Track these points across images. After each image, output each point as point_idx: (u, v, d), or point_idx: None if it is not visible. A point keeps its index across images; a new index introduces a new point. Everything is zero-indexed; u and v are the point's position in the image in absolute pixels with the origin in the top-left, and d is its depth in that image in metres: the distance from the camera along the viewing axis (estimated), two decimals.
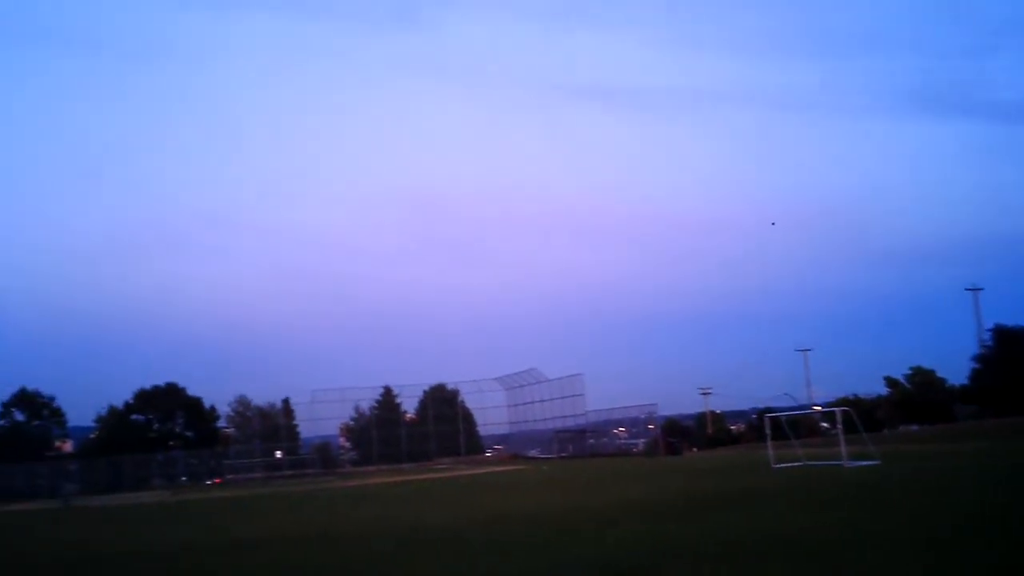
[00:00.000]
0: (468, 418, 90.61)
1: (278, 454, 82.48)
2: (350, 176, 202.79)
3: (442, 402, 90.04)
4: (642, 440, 72.55)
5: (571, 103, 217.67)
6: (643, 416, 74.29)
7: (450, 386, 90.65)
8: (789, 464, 32.74)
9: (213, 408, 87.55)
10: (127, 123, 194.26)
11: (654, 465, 46.34)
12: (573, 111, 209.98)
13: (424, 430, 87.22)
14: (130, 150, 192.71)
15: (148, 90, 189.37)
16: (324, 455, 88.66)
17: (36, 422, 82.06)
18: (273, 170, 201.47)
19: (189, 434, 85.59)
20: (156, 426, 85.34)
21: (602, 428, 78.13)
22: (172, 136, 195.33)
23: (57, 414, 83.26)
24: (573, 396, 75.56)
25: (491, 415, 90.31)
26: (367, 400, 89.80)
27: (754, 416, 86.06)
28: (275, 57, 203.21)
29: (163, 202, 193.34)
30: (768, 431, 38.71)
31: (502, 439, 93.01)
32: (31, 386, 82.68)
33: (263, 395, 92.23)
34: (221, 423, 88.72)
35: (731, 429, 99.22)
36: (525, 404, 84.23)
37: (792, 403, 77.86)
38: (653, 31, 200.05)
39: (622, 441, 76.98)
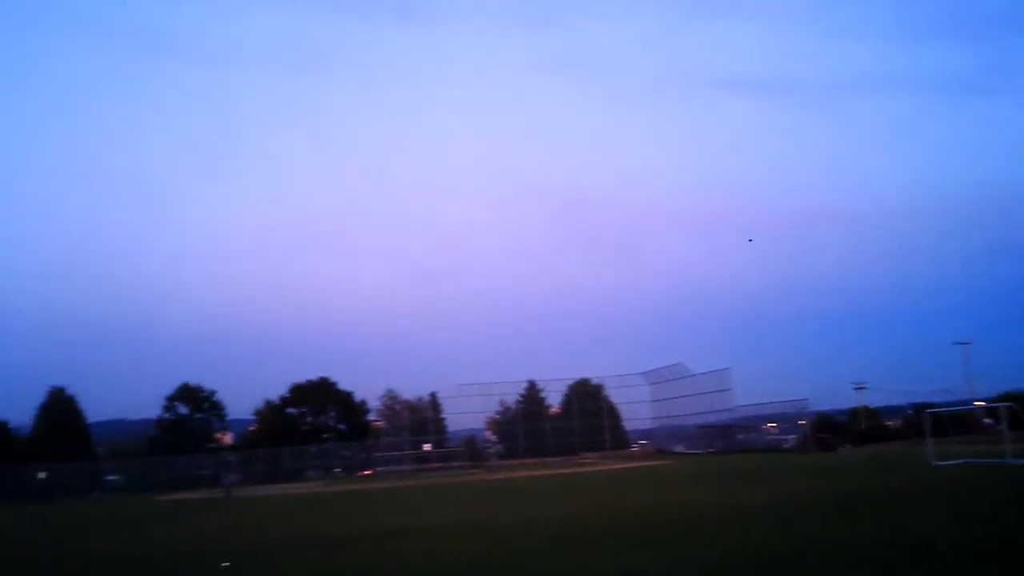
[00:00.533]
0: (613, 412, 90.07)
1: (426, 447, 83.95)
2: (495, 175, 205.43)
3: (586, 396, 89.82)
4: (793, 436, 70.51)
5: (713, 96, 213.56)
6: (794, 411, 72.14)
7: (594, 380, 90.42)
8: (950, 462, 31.16)
9: (364, 401, 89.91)
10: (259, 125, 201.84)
11: (805, 462, 44.98)
12: (715, 105, 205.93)
13: (569, 424, 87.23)
14: (274, 150, 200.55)
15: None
16: (471, 448, 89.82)
17: (198, 415, 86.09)
18: (422, 171, 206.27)
19: (341, 427, 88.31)
20: (310, 419, 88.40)
21: (751, 423, 76.37)
22: (330, 138, 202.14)
23: (217, 407, 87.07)
24: (720, 391, 74.09)
25: (636, 410, 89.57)
26: (512, 394, 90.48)
27: (910, 411, 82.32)
28: (420, 60, 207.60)
29: (314, 203, 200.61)
30: (927, 427, 36.92)
31: (646, 434, 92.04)
32: (193, 381, 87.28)
33: (411, 389, 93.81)
34: (371, 416, 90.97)
35: (887, 425, 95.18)
36: (670, 399, 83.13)
37: (950, 398, 74.16)
38: (795, 20, 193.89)
39: (772, 437, 74.95)
